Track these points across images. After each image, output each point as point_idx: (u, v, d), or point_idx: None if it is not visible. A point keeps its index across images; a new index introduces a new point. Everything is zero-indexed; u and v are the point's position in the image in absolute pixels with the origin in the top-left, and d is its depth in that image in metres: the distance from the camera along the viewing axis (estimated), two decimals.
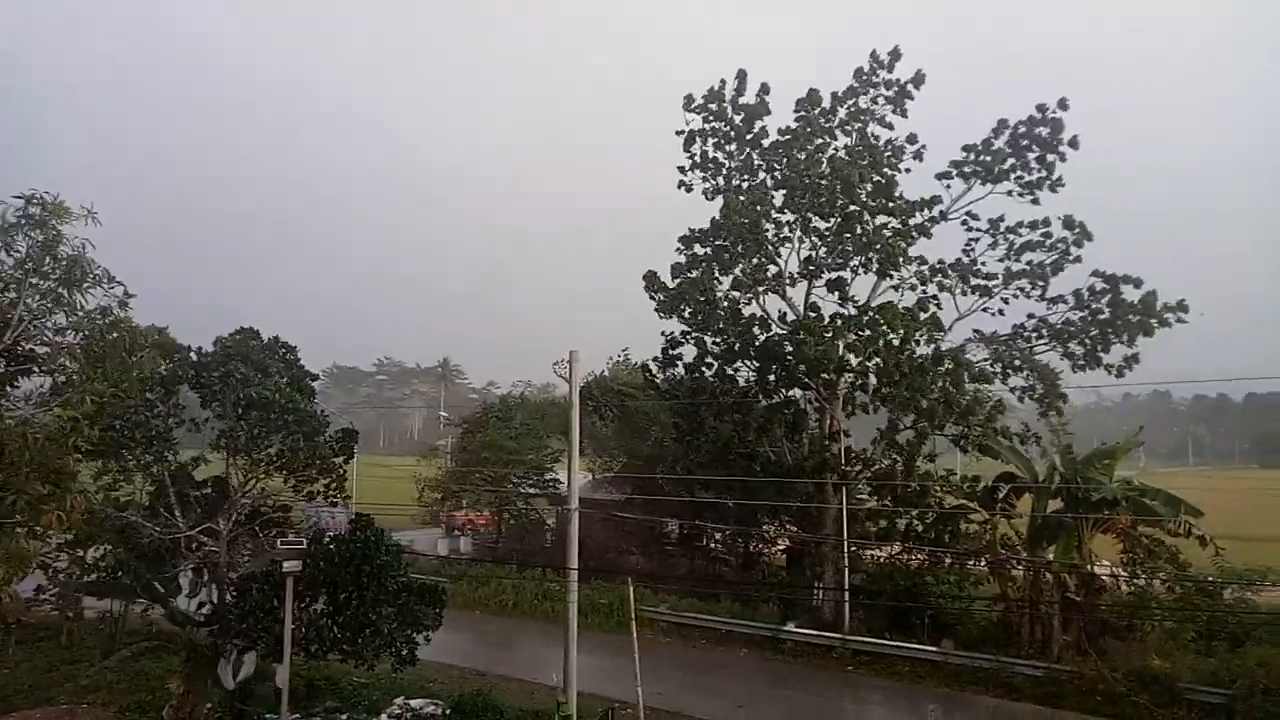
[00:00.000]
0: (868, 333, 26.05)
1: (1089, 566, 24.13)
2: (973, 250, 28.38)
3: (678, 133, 29.97)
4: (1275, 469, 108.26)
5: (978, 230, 28.21)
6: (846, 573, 27.58)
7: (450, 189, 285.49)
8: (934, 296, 27.53)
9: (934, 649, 24.22)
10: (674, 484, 30.80)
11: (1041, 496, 25.48)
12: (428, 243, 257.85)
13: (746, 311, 29.05)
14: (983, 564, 25.90)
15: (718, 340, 29.74)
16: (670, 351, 31.17)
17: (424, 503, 38.60)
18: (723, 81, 29.24)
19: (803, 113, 28.32)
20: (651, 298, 30.04)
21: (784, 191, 28.03)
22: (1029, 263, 27.67)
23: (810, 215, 27.74)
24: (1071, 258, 27.14)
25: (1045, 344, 27.59)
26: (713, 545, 33.70)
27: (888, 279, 27.86)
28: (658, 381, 32.10)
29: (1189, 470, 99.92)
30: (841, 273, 27.76)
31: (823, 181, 27.07)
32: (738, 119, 29.21)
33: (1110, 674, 21.31)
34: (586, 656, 20.50)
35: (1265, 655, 20.92)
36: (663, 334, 31.06)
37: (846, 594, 27.05)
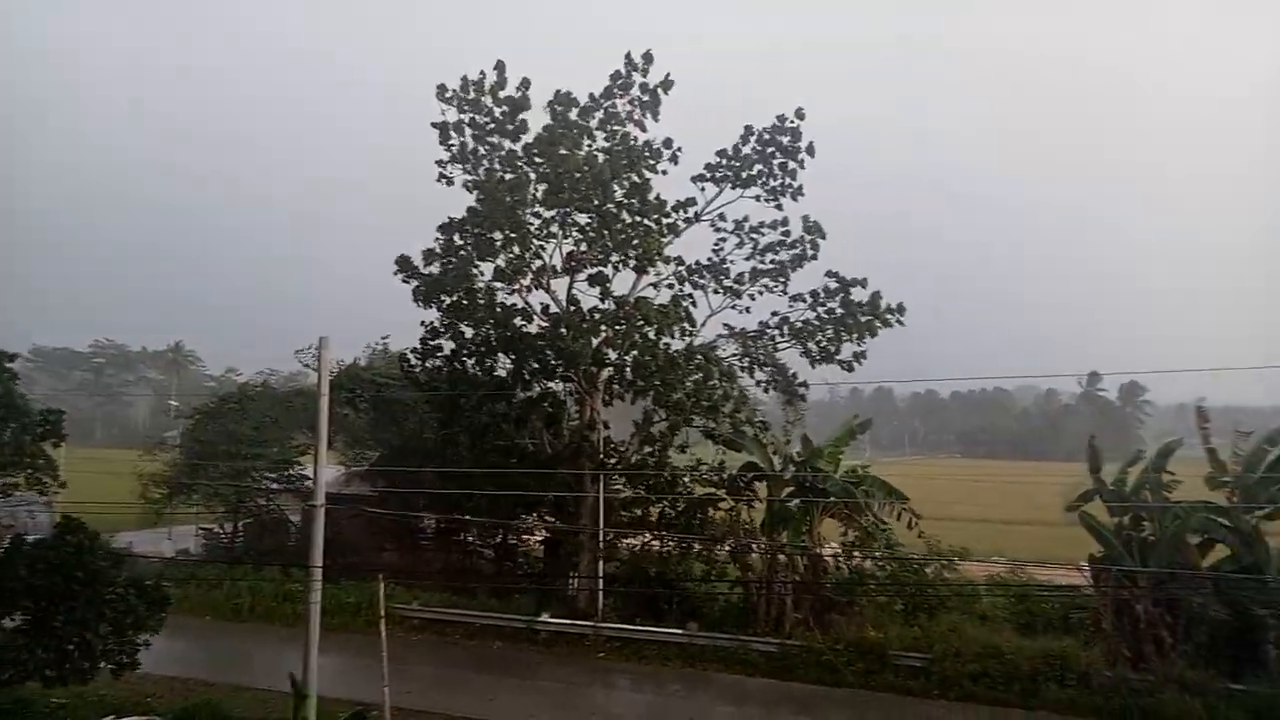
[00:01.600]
0: (624, 326, 26.82)
1: (818, 549, 26.37)
2: (722, 249, 29.92)
3: (433, 124, 29.13)
4: (974, 459, 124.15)
5: (725, 231, 29.77)
6: (601, 561, 28.25)
7: (195, 154, 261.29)
8: (689, 294, 28.85)
9: (680, 631, 25.40)
10: (431, 477, 30.03)
11: (778, 485, 27.48)
12: (155, 212, 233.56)
13: (509, 304, 28.96)
14: (726, 549, 27.48)
15: (479, 332, 29.39)
16: (430, 342, 30.37)
17: (147, 499, 34.89)
18: (482, 73, 28.78)
19: (558, 110, 28.39)
20: (405, 282, 29.28)
21: (545, 186, 28.07)
22: (773, 261, 29.58)
23: (570, 211, 28.05)
24: (809, 256, 29.30)
25: (787, 341, 29.68)
26: (470, 539, 33.26)
27: (646, 276, 28.85)
28: (416, 372, 31.18)
29: (906, 459, 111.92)
30: (603, 269, 28.32)
31: (579, 177, 27.39)
32: (498, 111, 28.80)
33: (833, 646, 23.44)
34: (333, 659, 19.56)
35: (955, 622, 23.94)
36: (422, 323, 30.22)
37: (600, 582, 27.73)
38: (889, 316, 28.41)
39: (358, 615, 26.55)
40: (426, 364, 30.77)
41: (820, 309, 28.95)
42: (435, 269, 29.07)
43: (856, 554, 26.67)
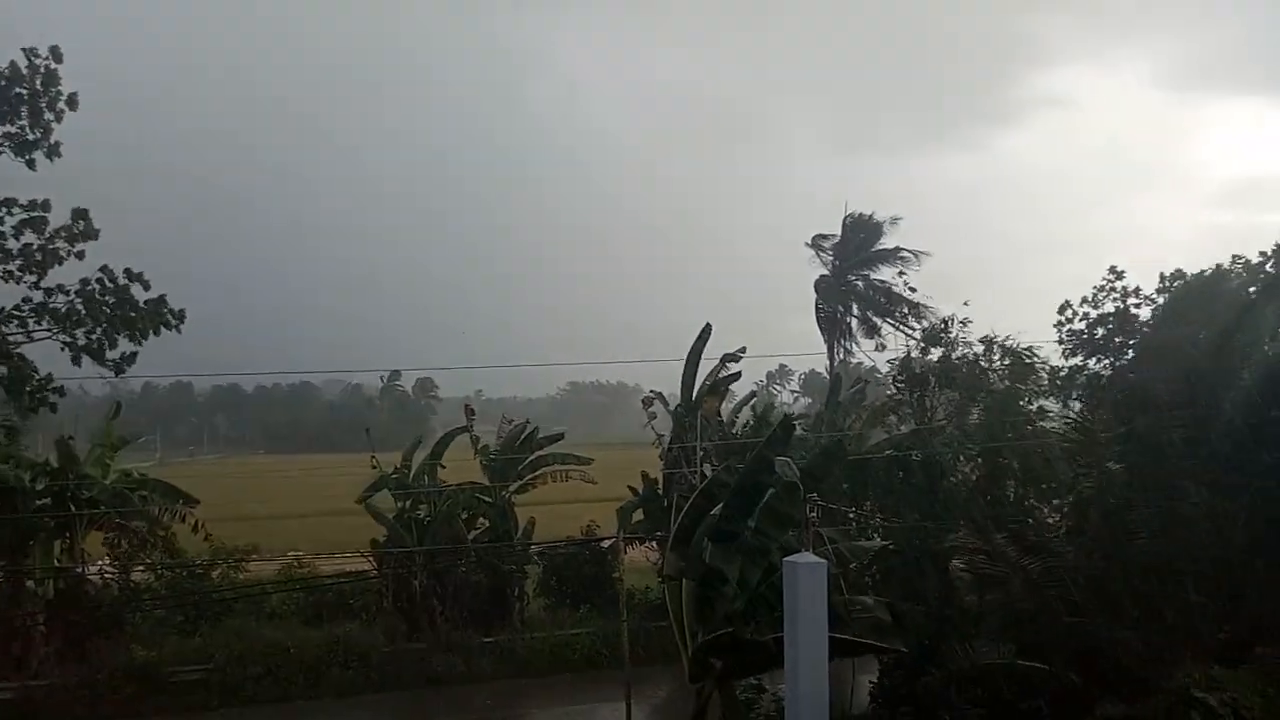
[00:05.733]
0: None
1: (79, 568, 22.75)
2: None
3: None
4: (278, 454, 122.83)
5: None
6: None
7: None
8: None
9: None
10: None
11: (28, 498, 22.83)
12: None
13: None
14: None
15: None
16: None
17: None
18: None
19: None
20: None
21: None
22: (26, 245, 24.02)
23: None
24: (76, 249, 24.65)
25: (46, 332, 24.63)
26: None
27: None
28: None
29: (206, 458, 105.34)
30: None
31: None
32: None
33: (95, 675, 20.40)
34: None
35: (241, 625, 23.00)
36: None
37: None
38: (170, 320, 25.38)
39: None
40: None
41: (91, 302, 24.52)
42: None
43: (130, 567, 23.72)
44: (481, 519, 26.44)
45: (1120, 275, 19.60)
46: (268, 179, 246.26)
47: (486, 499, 26.29)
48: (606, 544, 26.93)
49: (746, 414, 30.09)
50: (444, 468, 26.77)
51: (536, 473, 27.32)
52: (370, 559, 25.22)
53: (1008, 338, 20.93)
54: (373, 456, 25.83)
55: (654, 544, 27.24)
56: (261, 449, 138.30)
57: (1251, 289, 16.64)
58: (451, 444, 28.19)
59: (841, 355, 38.07)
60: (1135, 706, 9.81)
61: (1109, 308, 19.29)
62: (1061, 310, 20.00)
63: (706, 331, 27.98)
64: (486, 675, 22.75)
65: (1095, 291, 19.71)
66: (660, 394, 28.78)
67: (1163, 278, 19.15)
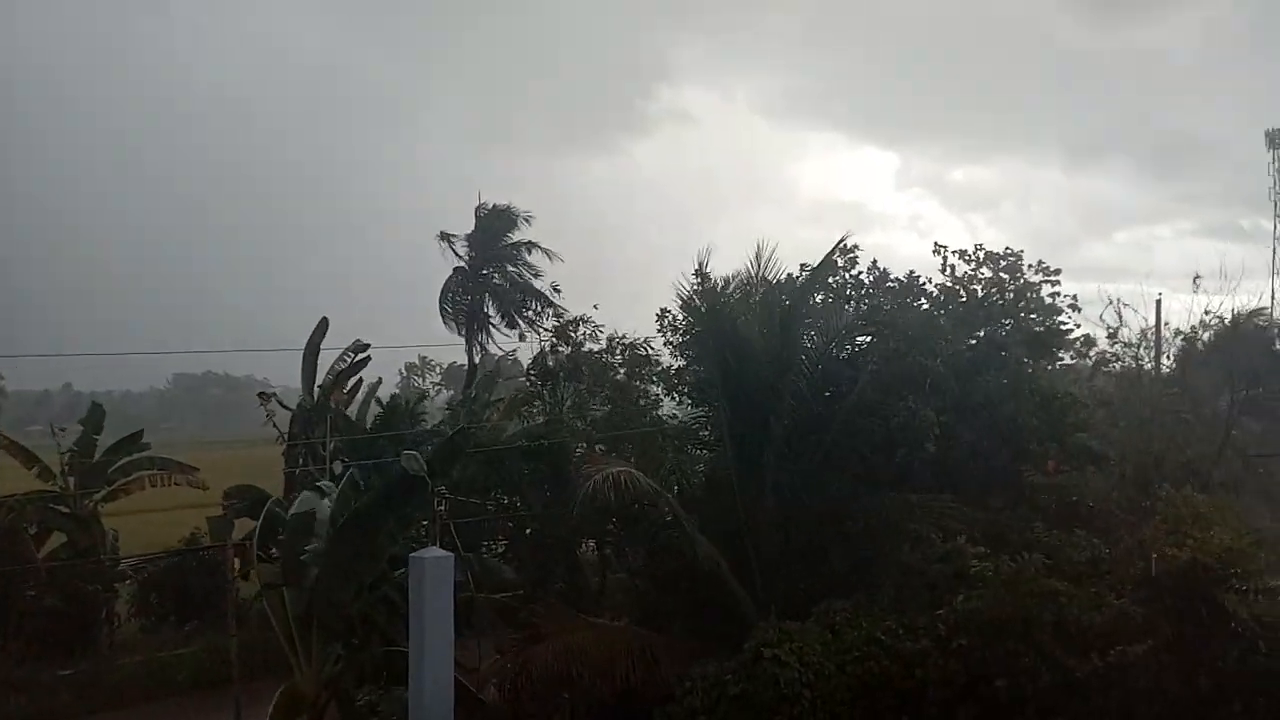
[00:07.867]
0: None
1: None
2: None
3: None
4: None
5: None
6: None
7: None
8: None
9: None
10: None
11: None
12: None
13: None
14: None
15: None
16: None
17: None
18: None
19: None
20: None
21: None
22: None
23: None
24: None
25: None
26: None
27: None
28: None
29: None
30: None
31: None
32: None
33: None
34: None
35: None
36: None
37: None
38: None
39: None
40: None
41: None
42: None
43: None
44: (57, 533, 22.69)
45: (707, 278, 20.99)
46: None
47: (63, 509, 22.64)
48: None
49: (376, 408, 29.09)
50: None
51: (129, 478, 24.00)
52: None
53: (624, 336, 22.12)
54: None
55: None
56: None
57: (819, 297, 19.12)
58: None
59: (479, 349, 38.18)
60: (727, 663, 10.97)
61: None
62: (661, 316, 20.74)
63: (324, 325, 27.04)
64: (64, 712, 19.58)
65: (691, 294, 21.04)
66: (275, 393, 27.02)
67: (747, 282, 20.89)
